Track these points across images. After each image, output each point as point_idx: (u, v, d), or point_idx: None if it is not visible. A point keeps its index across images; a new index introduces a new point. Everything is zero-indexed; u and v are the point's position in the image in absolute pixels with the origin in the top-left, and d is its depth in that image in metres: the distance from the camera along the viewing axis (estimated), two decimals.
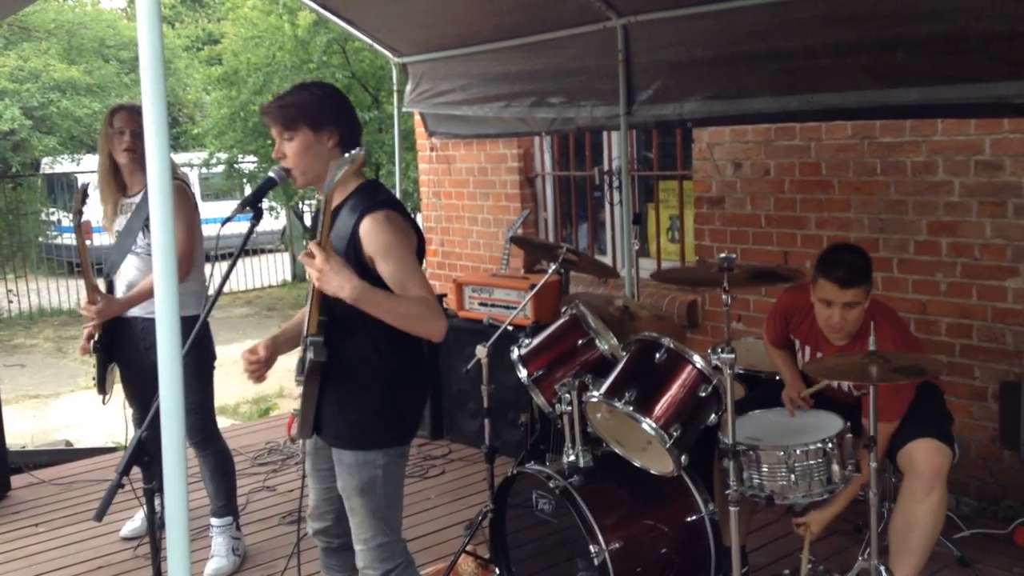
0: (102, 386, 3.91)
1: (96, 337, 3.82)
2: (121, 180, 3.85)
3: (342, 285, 2.36)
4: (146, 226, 3.78)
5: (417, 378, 2.74)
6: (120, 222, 3.87)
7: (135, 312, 3.79)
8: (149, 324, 3.72)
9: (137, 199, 3.85)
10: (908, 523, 3.06)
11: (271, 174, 2.64)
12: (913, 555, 3.08)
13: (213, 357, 3.99)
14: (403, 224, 2.58)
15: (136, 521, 4.33)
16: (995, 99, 3.47)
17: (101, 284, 4.06)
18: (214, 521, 4.01)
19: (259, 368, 2.68)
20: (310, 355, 2.52)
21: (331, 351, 2.53)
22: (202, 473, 3.99)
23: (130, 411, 4.11)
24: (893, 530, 3.14)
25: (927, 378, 3.19)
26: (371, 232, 2.51)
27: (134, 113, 3.76)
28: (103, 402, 3.96)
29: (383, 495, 2.65)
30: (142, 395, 3.96)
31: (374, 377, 2.62)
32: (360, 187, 2.66)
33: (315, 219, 2.69)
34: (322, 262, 2.35)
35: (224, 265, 2.52)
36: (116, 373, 3.96)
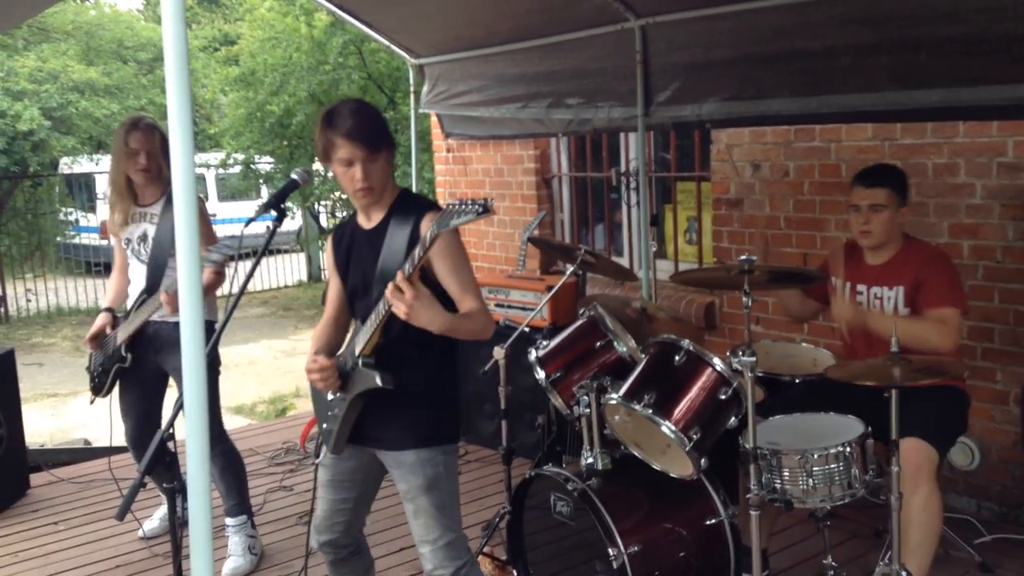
0: (103, 386, 3.94)
1: (119, 339, 3.85)
2: (133, 190, 3.91)
3: (432, 320, 2.45)
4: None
5: (455, 378, 2.84)
6: (132, 231, 3.91)
7: (171, 318, 3.74)
8: (160, 327, 3.82)
9: (154, 209, 3.91)
10: (905, 522, 3.04)
11: (293, 176, 2.67)
12: (914, 554, 3.08)
13: (219, 361, 4.02)
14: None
15: (155, 521, 4.35)
16: (1017, 101, 3.43)
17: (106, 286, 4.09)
18: (228, 520, 4.03)
19: (333, 375, 2.70)
20: (376, 381, 2.58)
21: (386, 366, 2.61)
22: (211, 474, 3.99)
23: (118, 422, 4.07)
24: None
25: (948, 380, 3.17)
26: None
27: (148, 132, 3.82)
28: (91, 402, 4.01)
29: (448, 491, 2.72)
30: (139, 406, 3.99)
31: (429, 382, 2.72)
32: (400, 196, 2.75)
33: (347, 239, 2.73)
34: (412, 298, 2.40)
35: (246, 265, 2.53)
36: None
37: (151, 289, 3.82)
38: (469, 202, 2.29)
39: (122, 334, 3.86)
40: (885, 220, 3.33)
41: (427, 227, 2.56)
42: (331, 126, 2.60)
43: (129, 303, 3.95)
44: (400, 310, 2.41)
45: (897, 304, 3.37)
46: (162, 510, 4.35)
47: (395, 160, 2.81)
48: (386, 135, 2.68)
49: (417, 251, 2.41)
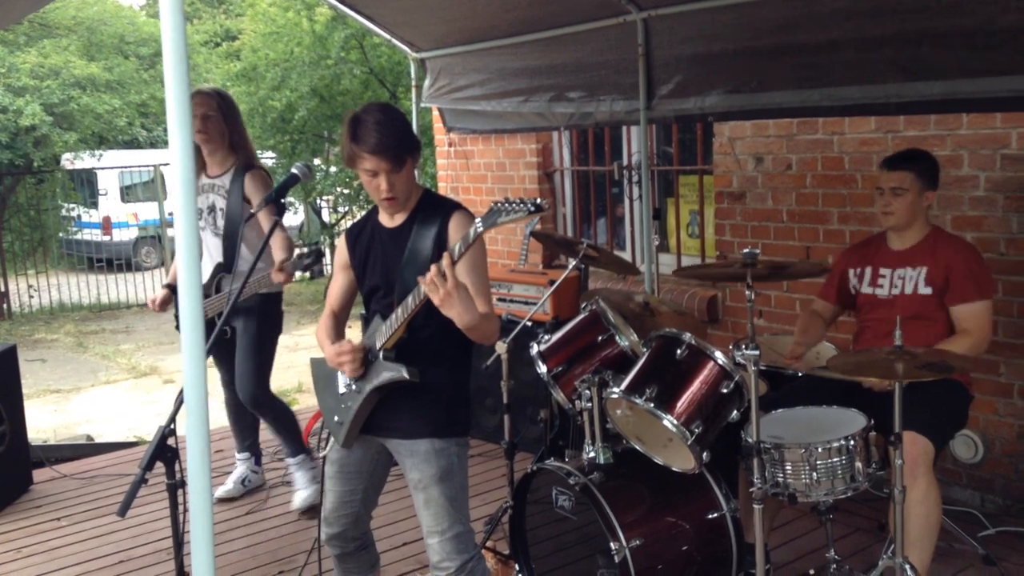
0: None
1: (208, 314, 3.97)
2: (201, 160, 4.05)
3: (463, 312, 2.45)
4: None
5: (469, 375, 2.87)
6: (200, 202, 4.03)
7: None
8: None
9: (222, 180, 4.04)
10: (905, 515, 3.04)
11: (294, 170, 2.66)
12: (915, 546, 3.08)
13: (278, 331, 4.30)
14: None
15: (228, 484, 4.60)
16: (1021, 92, 3.41)
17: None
18: (289, 460, 4.41)
19: (361, 361, 2.72)
20: (403, 374, 2.61)
21: (407, 360, 2.64)
22: (269, 429, 4.37)
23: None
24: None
25: (953, 375, 3.16)
26: (463, 228, 2.57)
27: (203, 96, 3.95)
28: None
29: (459, 483, 2.75)
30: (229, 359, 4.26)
31: (447, 377, 2.75)
32: (424, 196, 2.78)
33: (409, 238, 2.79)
34: (453, 286, 2.40)
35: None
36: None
37: (227, 265, 4.00)
38: (518, 200, 2.30)
39: (213, 309, 3.98)
40: (907, 203, 3.38)
41: (455, 227, 2.64)
42: (356, 141, 2.60)
43: (204, 277, 4.02)
44: (438, 295, 2.41)
45: (918, 284, 3.39)
46: (237, 473, 4.63)
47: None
48: (411, 143, 2.68)
49: (459, 245, 2.42)
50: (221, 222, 4.05)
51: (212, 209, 4.05)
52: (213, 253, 4.08)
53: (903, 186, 3.37)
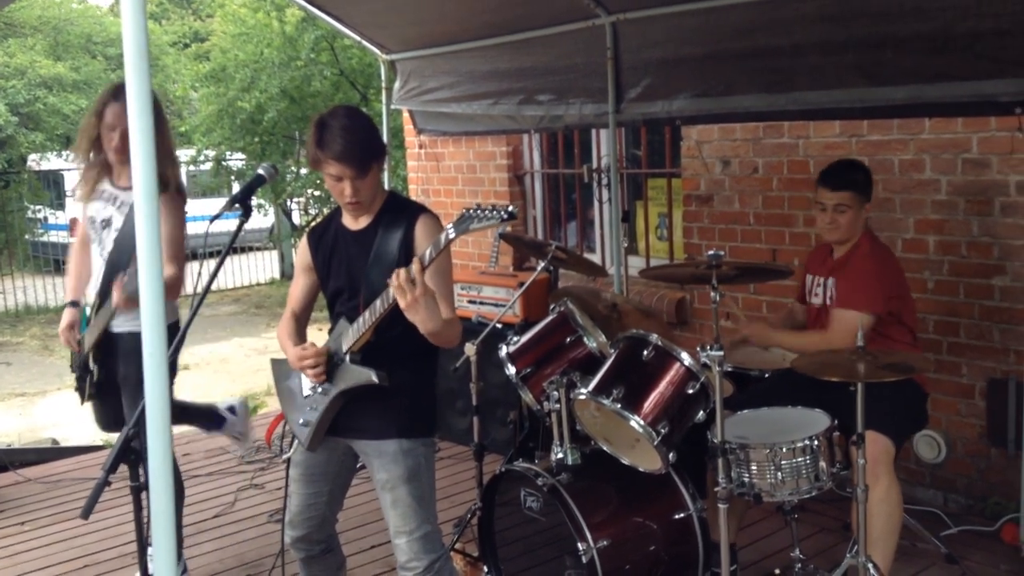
0: (83, 393, 3.57)
1: (85, 347, 3.48)
2: (105, 163, 3.47)
3: (427, 319, 2.45)
4: None
5: (435, 377, 2.88)
6: (97, 209, 3.47)
7: (123, 328, 3.36)
8: (120, 335, 3.38)
9: (127, 196, 3.41)
10: (869, 515, 3.08)
11: (260, 171, 2.65)
12: (877, 545, 3.12)
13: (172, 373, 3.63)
14: None
15: None
16: (982, 97, 3.48)
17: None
18: (217, 433, 3.85)
19: (325, 365, 2.71)
20: (372, 378, 2.60)
21: (374, 362, 2.64)
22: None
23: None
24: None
25: (913, 375, 3.21)
26: (430, 231, 2.60)
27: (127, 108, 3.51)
28: (81, 403, 3.66)
29: (427, 482, 2.76)
30: (118, 421, 3.53)
31: (413, 379, 2.75)
32: (389, 198, 2.78)
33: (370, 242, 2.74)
34: (421, 292, 2.41)
35: (212, 263, 2.51)
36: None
37: (104, 292, 3.33)
38: (490, 207, 2.31)
39: (87, 341, 3.46)
40: (849, 219, 3.42)
41: (421, 230, 2.65)
42: (320, 146, 2.59)
43: (88, 298, 3.51)
44: (405, 299, 2.41)
45: (834, 293, 3.47)
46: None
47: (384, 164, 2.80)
48: (377, 149, 2.67)
49: (429, 251, 2.43)
50: (110, 244, 3.40)
51: (108, 223, 3.42)
52: (96, 273, 3.46)
53: (845, 203, 3.41)
